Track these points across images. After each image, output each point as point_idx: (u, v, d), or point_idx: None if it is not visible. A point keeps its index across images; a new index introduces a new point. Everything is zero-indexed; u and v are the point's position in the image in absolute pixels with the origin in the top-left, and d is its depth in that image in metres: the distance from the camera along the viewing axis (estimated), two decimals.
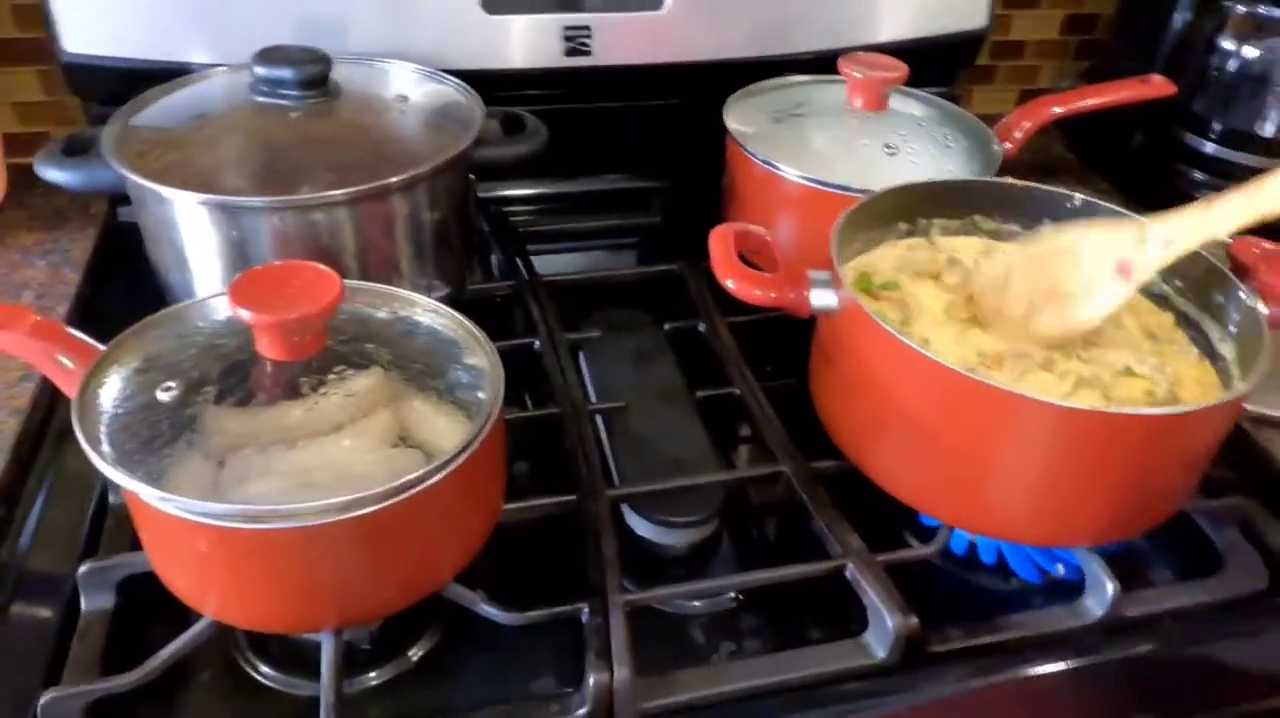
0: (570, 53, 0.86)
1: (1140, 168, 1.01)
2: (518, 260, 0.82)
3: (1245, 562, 0.63)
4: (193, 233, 0.66)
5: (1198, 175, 0.97)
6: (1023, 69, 1.15)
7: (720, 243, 0.60)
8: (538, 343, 0.73)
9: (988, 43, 1.10)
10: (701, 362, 0.74)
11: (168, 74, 0.75)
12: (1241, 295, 0.62)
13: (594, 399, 0.71)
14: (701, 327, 0.76)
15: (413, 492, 0.49)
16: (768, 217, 0.78)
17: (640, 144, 0.92)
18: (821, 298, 0.60)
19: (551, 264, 0.88)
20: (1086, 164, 1.07)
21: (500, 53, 0.85)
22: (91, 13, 0.78)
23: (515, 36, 0.84)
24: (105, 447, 0.48)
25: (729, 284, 0.58)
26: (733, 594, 0.62)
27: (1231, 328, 0.64)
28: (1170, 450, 0.56)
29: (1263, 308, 0.62)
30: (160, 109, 0.71)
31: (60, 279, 0.80)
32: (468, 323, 0.57)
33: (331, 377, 0.54)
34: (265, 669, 0.56)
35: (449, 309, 0.57)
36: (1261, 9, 0.90)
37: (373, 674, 0.56)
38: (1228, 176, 0.96)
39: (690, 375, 0.73)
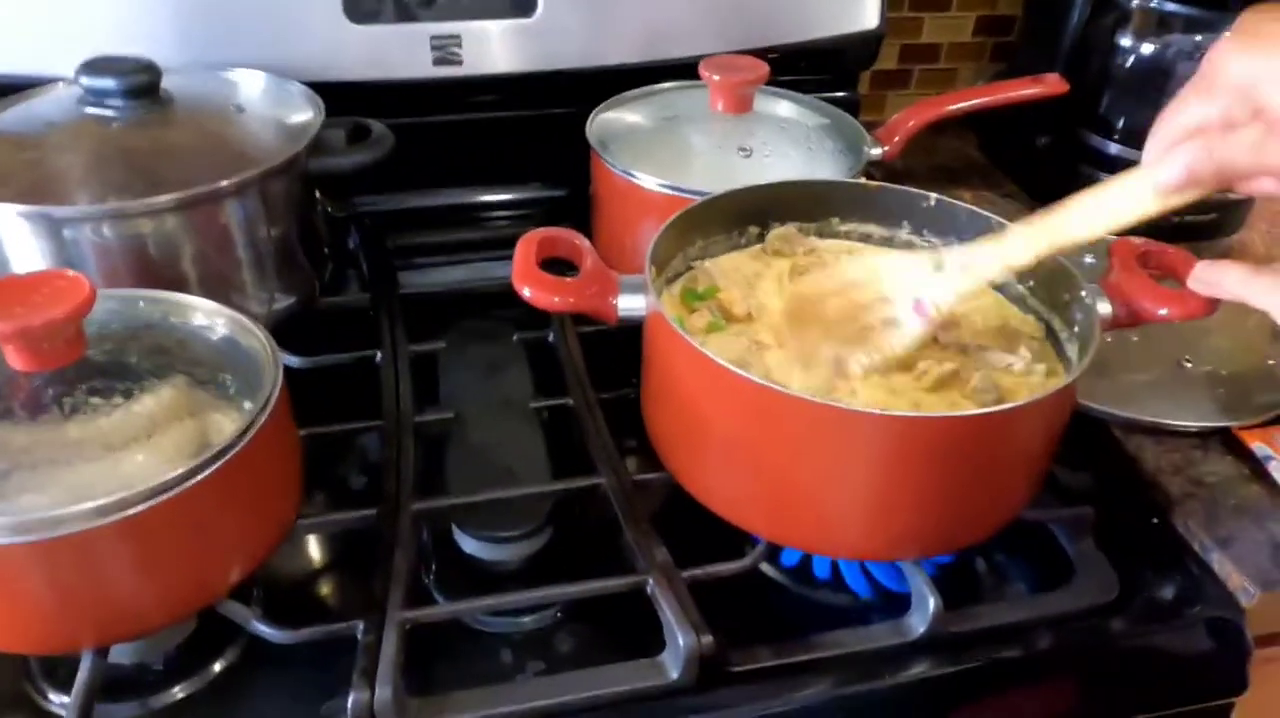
0: (440, 62, 0.85)
1: (1046, 169, 0.98)
2: (377, 275, 0.80)
3: (1096, 573, 0.60)
4: (16, 247, 0.65)
5: (1102, 176, 0.93)
6: (938, 72, 1.13)
7: (522, 251, 0.57)
8: (379, 355, 0.71)
9: (895, 47, 1.09)
10: (548, 374, 0.72)
11: (7, 88, 0.74)
12: (1083, 294, 0.59)
13: (438, 410, 0.69)
14: (551, 336, 0.74)
15: (172, 493, 0.47)
16: (629, 224, 0.77)
17: (516, 154, 0.90)
18: (629, 303, 0.57)
19: (429, 277, 0.87)
20: (995, 166, 1.04)
21: (367, 63, 0.83)
22: None
23: (382, 46, 0.83)
24: None
25: (525, 293, 0.56)
26: (555, 611, 0.59)
27: (1075, 327, 0.61)
28: (989, 454, 0.53)
29: (1104, 305, 0.59)
30: None
31: None
32: (256, 328, 0.55)
33: (118, 389, 0.53)
34: (54, 698, 0.54)
35: (235, 314, 0.56)
36: (1154, 3, 0.87)
37: (163, 693, 0.54)
38: None
39: (541, 387, 0.71)
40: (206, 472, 0.48)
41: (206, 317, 0.57)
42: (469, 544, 0.61)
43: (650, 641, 0.54)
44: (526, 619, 0.59)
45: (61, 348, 0.49)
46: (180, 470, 0.47)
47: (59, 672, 0.55)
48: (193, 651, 0.56)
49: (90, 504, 0.46)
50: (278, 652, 0.54)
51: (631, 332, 0.60)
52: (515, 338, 0.75)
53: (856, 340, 0.58)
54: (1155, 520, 0.64)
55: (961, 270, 0.56)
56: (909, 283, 0.58)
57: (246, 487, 0.51)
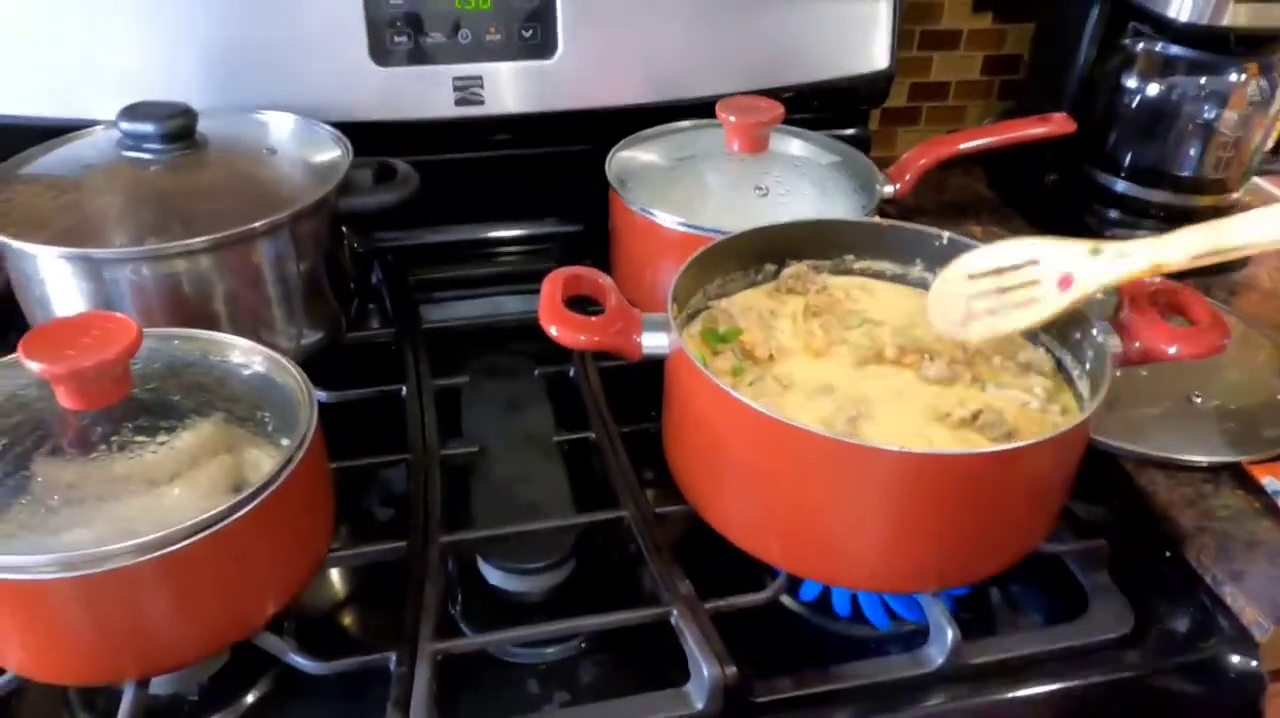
0: (461, 102, 0.87)
1: (1055, 205, 1.00)
2: (401, 310, 0.82)
3: (1111, 605, 0.61)
4: (57, 287, 0.67)
5: (1111, 213, 0.96)
6: (947, 109, 1.15)
7: (548, 289, 0.59)
8: (405, 389, 0.73)
9: (905, 85, 1.11)
10: (569, 407, 0.74)
11: (48, 131, 0.76)
12: (1094, 332, 0.61)
13: (462, 443, 0.70)
14: (572, 371, 0.76)
15: (211, 531, 0.49)
16: (647, 261, 0.78)
17: (536, 191, 0.93)
18: (653, 341, 0.59)
19: (451, 311, 0.89)
20: (1004, 202, 1.06)
21: (391, 104, 0.86)
22: None
23: (406, 88, 0.86)
24: None
25: (551, 331, 0.58)
26: (579, 641, 0.61)
27: (1087, 364, 0.62)
28: (1004, 490, 0.54)
29: (1115, 343, 0.61)
30: (36, 167, 0.73)
31: None
32: (291, 367, 0.57)
33: (159, 427, 0.54)
34: None
35: (270, 352, 0.58)
36: (1159, 46, 0.89)
37: None
38: (1139, 214, 0.95)
39: (563, 421, 0.73)
40: (245, 509, 0.50)
41: (243, 355, 0.59)
42: (494, 576, 0.62)
43: (673, 672, 0.55)
44: (551, 650, 0.60)
45: (109, 388, 0.51)
46: (220, 508, 0.49)
47: (97, 702, 0.56)
48: (226, 682, 0.57)
49: (133, 541, 0.48)
50: (308, 683, 0.55)
51: (651, 367, 0.62)
52: (536, 373, 0.76)
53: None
54: (1168, 554, 0.65)
55: (1118, 258, 0.57)
56: (1062, 261, 0.59)
57: (283, 522, 0.52)
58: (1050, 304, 0.59)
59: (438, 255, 0.92)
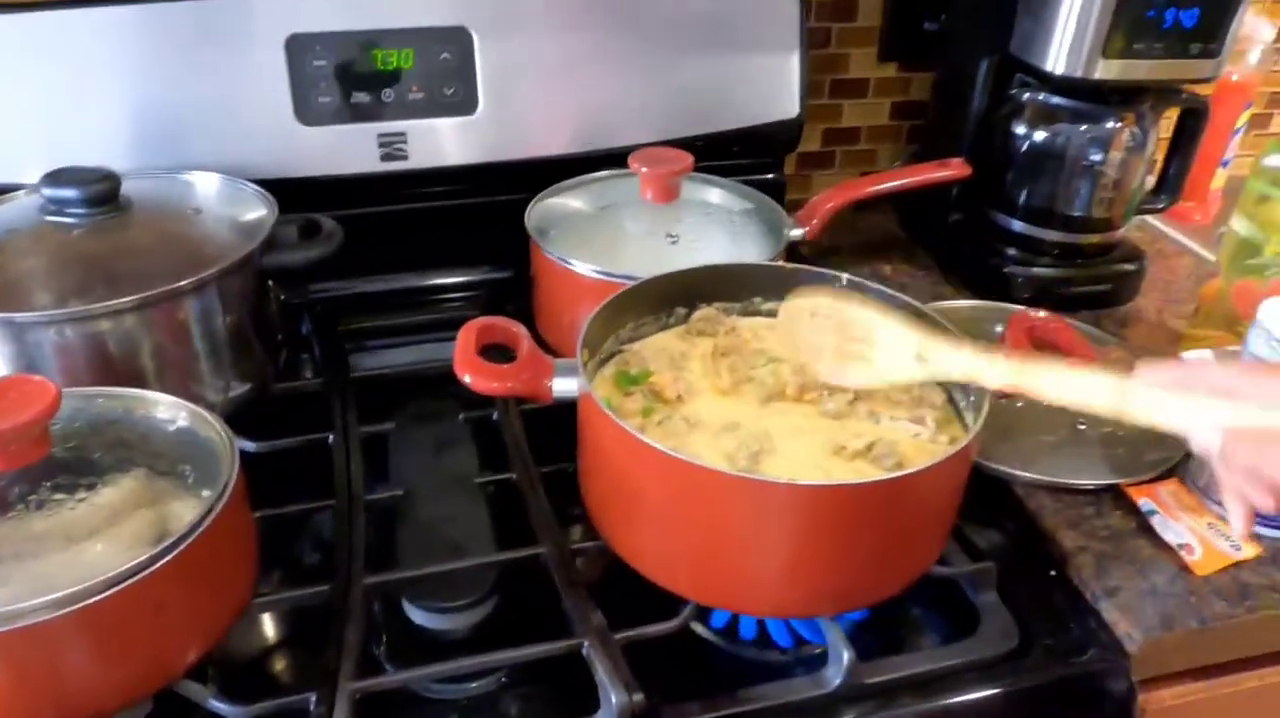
0: (387, 158, 0.90)
1: (959, 245, 1.05)
2: (329, 359, 0.84)
3: (998, 622, 0.65)
4: None
5: (1010, 251, 1.01)
6: (859, 153, 1.21)
7: (463, 339, 0.63)
8: (331, 437, 0.75)
9: (818, 130, 1.17)
10: (493, 450, 0.77)
11: None
12: None
13: (388, 488, 0.73)
14: (495, 415, 0.79)
15: (130, 582, 0.50)
16: (565, 307, 0.82)
17: (461, 241, 0.96)
18: (564, 386, 0.62)
19: (381, 359, 0.91)
20: (913, 241, 1.12)
21: (317, 161, 0.89)
22: None
23: (331, 145, 0.89)
24: None
25: (466, 379, 0.61)
26: (500, 676, 0.63)
27: (971, 396, 0.67)
28: (894, 516, 0.58)
29: None
30: None
31: None
32: (213, 419, 0.59)
33: (80, 484, 0.56)
34: None
35: (193, 407, 0.60)
36: (1042, 96, 0.96)
37: None
38: (1036, 252, 1.01)
39: (486, 463, 0.76)
40: (164, 559, 0.51)
41: (166, 410, 0.61)
42: (418, 615, 0.65)
43: (591, 702, 0.58)
44: (473, 685, 0.63)
45: (28, 448, 0.53)
46: (138, 559, 0.51)
47: None
48: None
49: (50, 597, 0.49)
50: None
51: (571, 409, 0.65)
52: (461, 417, 0.79)
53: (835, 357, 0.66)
54: (1053, 573, 0.69)
55: (940, 367, 0.62)
56: (892, 349, 0.64)
57: (204, 571, 0.54)
58: (877, 374, 0.65)
59: (368, 305, 0.95)
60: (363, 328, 0.93)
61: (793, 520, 0.57)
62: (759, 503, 0.56)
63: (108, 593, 0.50)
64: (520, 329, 0.65)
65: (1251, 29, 1.13)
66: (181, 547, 0.52)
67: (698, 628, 0.66)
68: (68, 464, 0.56)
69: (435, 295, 0.97)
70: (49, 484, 0.55)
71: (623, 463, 0.60)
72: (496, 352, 0.66)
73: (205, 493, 0.56)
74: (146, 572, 0.51)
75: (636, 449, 0.57)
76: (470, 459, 0.77)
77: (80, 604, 0.50)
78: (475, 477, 0.74)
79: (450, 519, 0.70)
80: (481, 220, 0.94)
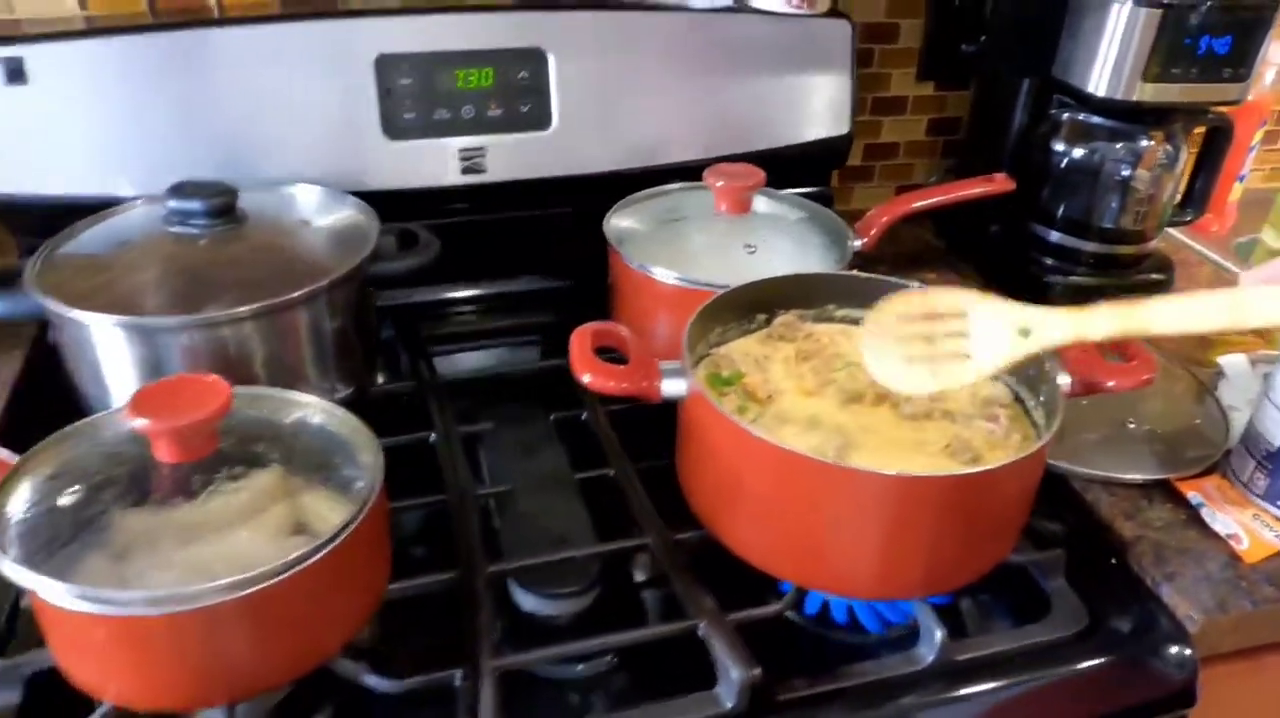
0: (467, 171, 0.95)
1: (997, 254, 1.11)
2: (419, 362, 0.89)
3: (1068, 606, 0.70)
4: (109, 352, 0.73)
5: (1048, 261, 1.07)
6: (897, 167, 1.26)
7: (578, 342, 0.67)
8: (433, 436, 0.80)
9: (859, 146, 1.22)
10: (583, 449, 0.81)
11: (92, 207, 0.82)
12: (1048, 369, 0.71)
13: (486, 485, 0.77)
14: (584, 415, 0.84)
15: (294, 571, 0.55)
16: (646, 313, 0.87)
17: (535, 250, 1.01)
18: (672, 386, 0.67)
19: (459, 363, 0.96)
20: (952, 251, 1.17)
21: (403, 174, 0.94)
22: (17, 157, 0.86)
23: (416, 159, 0.94)
24: (13, 549, 0.54)
25: (585, 379, 0.66)
26: (610, 658, 0.68)
27: (1041, 397, 0.72)
28: (981, 506, 0.63)
29: (1066, 379, 0.70)
30: (83, 240, 0.78)
31: None
32: (354, 419, 0.64)
33: (229, 477, 0.60)
34: None
35: (337, 408, 0.64)
36: (1081, 116, 1.02)
37: None
38: (1073, 261, 1.07)
39: (576, 460, 0.80)
40: (324, 551, 0.55)
41: (305, 409, 0.65)
42: (528, 602, 0.69)
43: (689, 682, 0.62)
44: (580, 667, 0.67)
45: (202, 443, 0.57)
46: (302, 550, 0.55)
47: None
48: (288, 709, 0.63)
49: (222, 581, 0.53)
50: (370, 708, 0.61)
51: (650, 410, 0.69)
52: (551, 418, 0.84)
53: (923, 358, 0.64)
54: (1114, 561, 0.75)
55: (1043, 332, 0.61)
56: (992, 324, 0.63)
57: (355, 560, 0.59)
58: (977, 367, 0.63)
59: (442, 311, 1.00)
60: (438, 334, 0.97)
61: (891, 509, 0.62)
62: (860, 492, 0.61)
63: (276, 580, 0.54)
64: (626, 333, 0.70)
65: (1268, 53, 1.19)
66: (340, 539, 0.56)
67: (790, 614, 0.71)
68: (224, 457, 0.60)
69: (507, 303, 1.02)
70: (209, 477, 0.59)
71: (732, 457, 0.64)
72: (601, 354, 0.70)
73: (357, 486, 0.60)
74: (309, 561, 0.55)
75: (748, 443, 0.62)
76: (560, 458, 0.81)
77: (251, 589, 0.54)
78: (571, 474, 0.78)
79: (551, 513, 0.75)
80: (552, 231, 0.99)
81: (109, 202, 0.83)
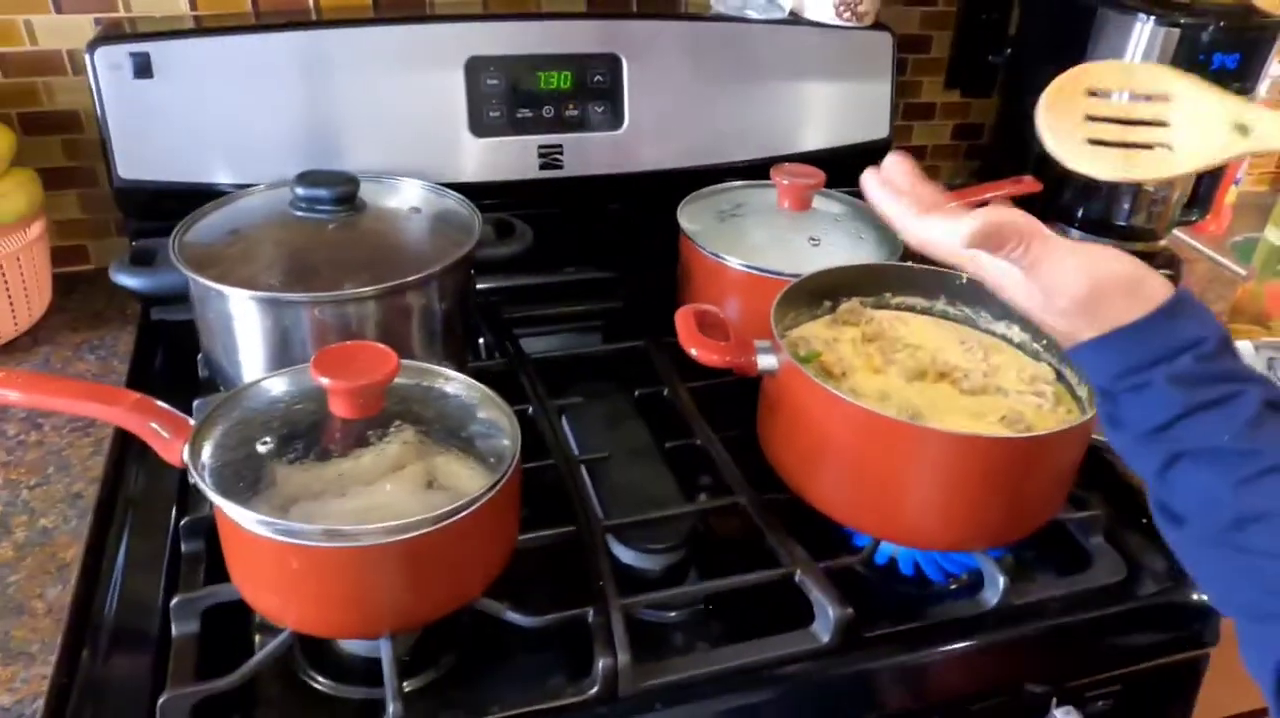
0: (545, 166, 1.03)
1: None
2: (507, 342, 0.97)
3: (1108, 560, 0.80)
4: (245, 324, 0.80)
5: None
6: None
7: (684, 320, 0.75)
8: (530, 409, 0.87)
9: (893, 149, 1.31)
10: (663, 421, 0.89)
11: (202, 194, 0.89)
12: None
13: (592, 451, 0.85)
14: (666, 392, 0.92)
15: (451, 520, 0.62)
16: (716, 298, 0.94)
17: (605, 240, 1.09)
18: (766, 361, 0.75)
19: (531, 345, 1.03)
20: None
21: (487, 167, 1.01)
22: (140, 146, 0.93)
23: (499, 154, 1.01)
24: (212, 491, 0.61)
25: (693, 352, 0.74)
26: (703, 604, 0.76)
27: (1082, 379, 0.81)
28: (1035, 468, 0.72)
29: None
30: (210, 223, 0.85)
31: (110, 369, 0.92)
32: (488, 391, 0.71)
33: (380, 436, 0.67)
34: (323, 681, 0.68)
35: (471, 379, 0.72)
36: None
37: (413, 680, 0.68)
38: None
39: (655, 432, 0.88)
40: (475, 505, 0.61)
41: (443, 380, 0.72)
42: (628, 556, 0.77)
43: (780, 624, 0.70)
44: (674, 614, 0.75)
45: (373, 402, 0.64)
46: (456, 503, 0.62)
47: (324, 663, 0.69)
48: (423, 648, 0.70)
49: (389, 523, 0.60)
50: (494, 649, 0.69)
51: (728, 385, 0.77)
52: (636, 393, 0.92)
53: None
54: (1145, 521, 0.84)
55: (1263, 134, 0.55)
56: (1201, 115, 0.57)
57: (497, 516, 0.65)
58: (1180, 161, 0.57)
59: (519, 297, 1.07)
60: (518, 317, 1.05)
61: (960, 467, 0.70)
62: (935, 451, 0.70)
63: (434, 527, 0.61)
64: (722, 314, 0.78)
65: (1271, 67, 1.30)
66: (488, 496, 0.62)
67: (860, 569, 0.79)
68: (377, 419, 0.67)
69: (579, 290, 1.10)
70: (363, 435, 0.66)
71: (822, 423, 0.73)
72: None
73: (472, 450, 0.67)
74: (462, 514, 0.62)
75: (838, 408, 0.70)
76: (643, 429, 0.89)
77: (410, 534, 0.60)
78: (660, 443, 0.86)
79: (643, 478, 0.83)
80: (623, 224, 1.07)
81: (222, 189, 0.90)
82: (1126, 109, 0.57)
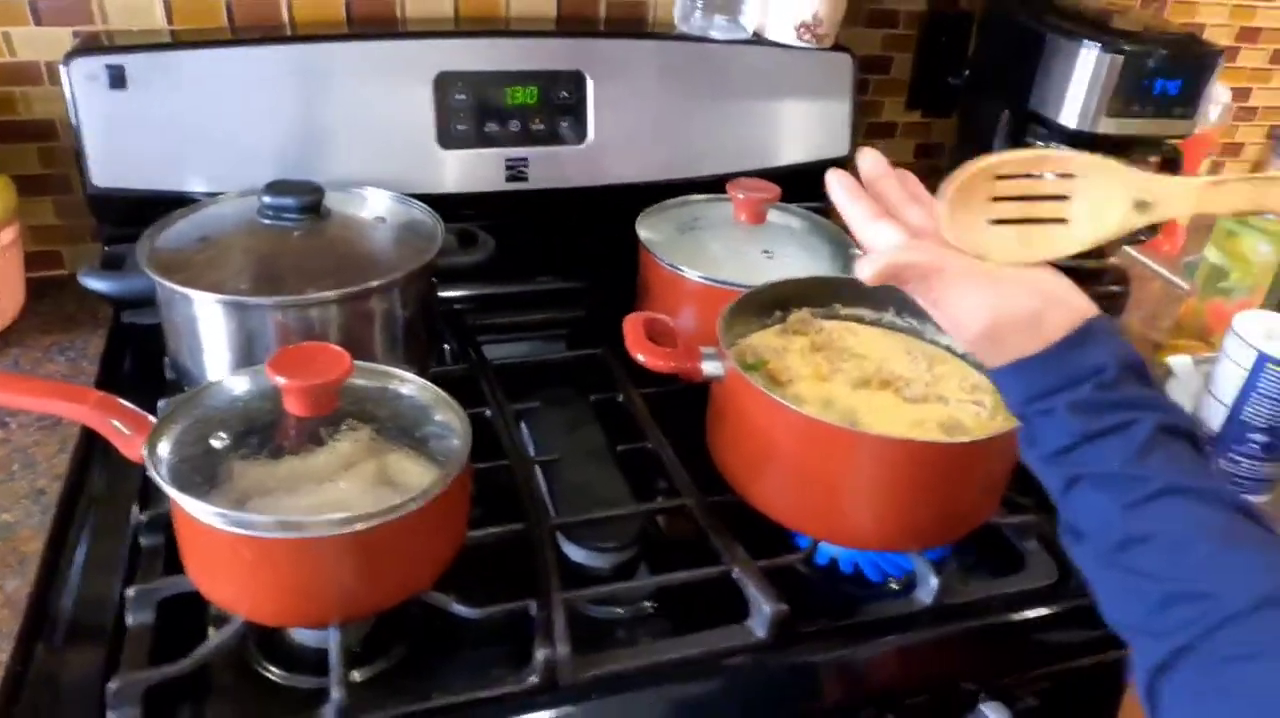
0: (511, 179, 1.06)
1: None
2: (470, 349, 0.99)
3: (1041, 563, 0.83)
4: (209, 327, 0.82)
5: None
6: None
7: (632, 327, 0.78)
8: (488, 411, 0.90)
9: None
10: (618, 426, 0.92)
11: (175, 202, 0.92)
12: None
13: (544, 453, 0.88)
14: (620, 397, 0.95)
15: (399, 514, 0.64)
16: (672, 308, 0.97)
17: (569, 251, 1.12)
18: (711, 367, 0.78)
19: (495, 352, 1.06)
20: None
21: (454, 179, 1.04)
22: (114, 155, 0.95)
23: (466, 166, 1.04)
24: (168, 485, 0.63)
25: (640, 358, 0.77)
26: (649, 603, 0.78)
27: None
28: (967, 473, 0.75)
29: None
30: (179, 230, 0.88)
31: (80, 371, 0.94)
32: (441, 392, 0.74)
33: (332, 434, 0.70)
34: (275, 670, 0.70)
35: (426, 382, 0.74)
36: (1052, 144, 1.15)
37: (364, 669, 0.70)
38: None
39: (609, 436, 0.91)
40: (423, 501, 0.64)
41: (398, 382, 0.75)
42: (577, 555, 0.80)
43: (721, 620, 0.72)
44: (621, 610, 0.78)
45: (327, 401, 0.67)
46: (404, 498, 0.64)
47: (275, 652, 0.71)
48: (373, 640, 0.73)
49: (340, 515, 0.63)
50: (442, 642, 0.72)
51: (676, 395, 0.80)
52: (592, 398, 0.95)
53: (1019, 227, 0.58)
54: None
55: (1162, 209, 0.56)
56: (1101, 189, 0.57)
57: (444, 512, 0.68)
58: (1076, 237, 0.57)
59: (482, 305, 1.10)
60: (483, 324, 1.07)
61: (897, 471, 0.73)
62: (872, 455, 0.73)
63: (389, 518, 0.64)
64: (670, 322, 0.82)
65: (1213, 93, 1.34)
66: (437, 491, 0.65)
67: (801, 568, 0.82)
68: (330, 418, 0.70)
69: (543, 299, 1.12)
70: (316, 433, 0.69)
71: (765, 428, 0.76)
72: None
73: (425, 449, 0.69)
74: (412, 508, 0.64)
75: (780, 415, 0.73)
76: (598, 433, 0.92)
77: (361, 526, 0.62)
78: (613, 446, 0.89)
79: (594, 479, 0.86)
80: (585, 235, 1.10)
81: (194, 198, 0.92)
82: (1030, 186, 0.58)
